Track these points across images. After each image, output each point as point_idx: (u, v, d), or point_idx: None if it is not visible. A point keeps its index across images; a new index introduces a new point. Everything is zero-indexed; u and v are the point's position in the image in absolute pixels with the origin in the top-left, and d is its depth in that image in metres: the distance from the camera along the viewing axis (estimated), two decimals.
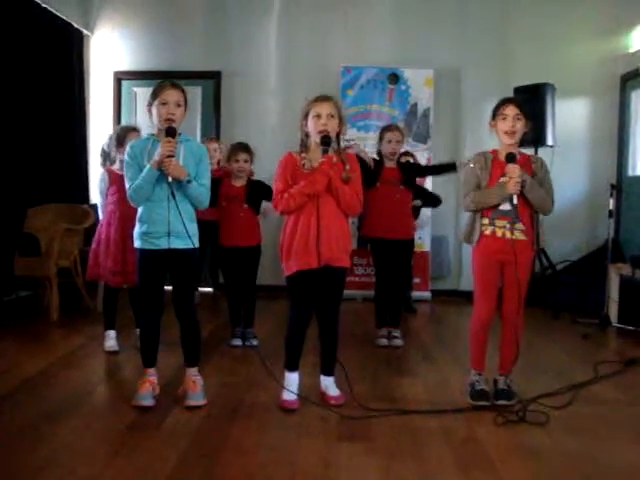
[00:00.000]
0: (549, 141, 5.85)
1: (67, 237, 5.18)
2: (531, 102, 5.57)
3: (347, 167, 3.14)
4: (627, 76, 6.26)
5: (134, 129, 4.18)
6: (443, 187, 6.15)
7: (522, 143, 3.32)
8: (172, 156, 2.95)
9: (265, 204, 4.28)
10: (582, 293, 5.69)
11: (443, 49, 6.52)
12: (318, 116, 3.08)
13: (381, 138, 4.50)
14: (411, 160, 5.19)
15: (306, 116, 3.14)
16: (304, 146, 3.20)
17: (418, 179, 5.06)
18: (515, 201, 3.09)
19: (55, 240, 5.05)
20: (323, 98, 3.13)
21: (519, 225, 3.18)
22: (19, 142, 5.36)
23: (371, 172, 4.36)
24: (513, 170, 3.09)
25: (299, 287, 3.16)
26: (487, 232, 3.22)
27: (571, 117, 6.38)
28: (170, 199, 3.01)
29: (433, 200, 5.32)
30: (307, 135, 3.17)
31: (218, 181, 4.31)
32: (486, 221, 3.23)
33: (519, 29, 6.46)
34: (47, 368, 3.75)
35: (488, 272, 3.24)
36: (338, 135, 3.19)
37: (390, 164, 4.48)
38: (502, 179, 3.14)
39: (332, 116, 3.10)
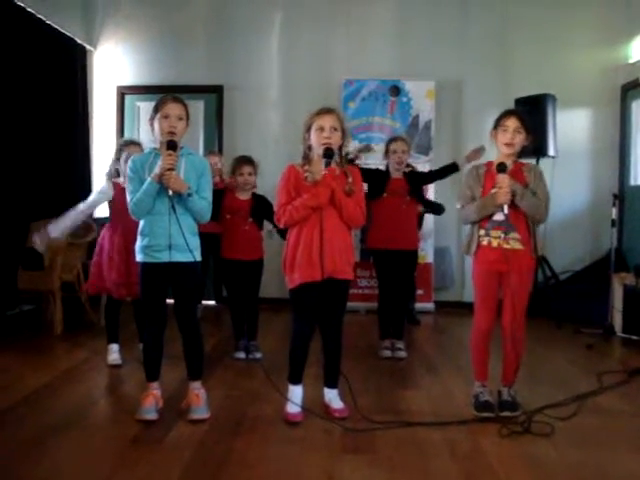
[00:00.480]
0: (550, 152, 5.86)
1: (70, 251, 5.19)
2: (532, 113, 5.57)
3: (349, 179, 3.15)
4: (628, 86, 6.27)
5: (133, 143, 4.19)
6: (446, 197, 6.16)
7: (521, 154, 3.32)
8: (173, 169, 2.96)
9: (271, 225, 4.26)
10: (585, 303, 5.68)
11: (444, 61, 6.55)
12: (321, 129, 3.10)
13: (387, 150, 4.54)
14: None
15: (309, 129, 3.16)
16: (307, 159, 3.20)
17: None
18: (506, 211, 3.10)
19: (58, 254, 5.06)
20: (326, 111, 3.14)
21: (514, 234, 3.18)
22: (23, 156, 5.38)
23: (378, 182, 4.39)
24: (503, 180, 3.10)
25: (302, 300, 3.16)
26: (484, 243, 3.23)
27: (572, 127, 6.39)
28: (171, 212, 3.02)
29: (436, 207, 5.30)
30: (310, 148, 3.19)
31: (221, 193, 4.32)
32: (482, 232, 3.24)
33: (519, 41, 6.49)
34: (50, 382, 3.75)
35: (487, 283, 3.25)
36: (341, 148, 3.20)
37: (397, 175, 4.50)
38: (493, 190, 3.15)
39: (335, 129, 3.11)
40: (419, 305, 6.06)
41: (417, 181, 4.63)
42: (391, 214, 4.41)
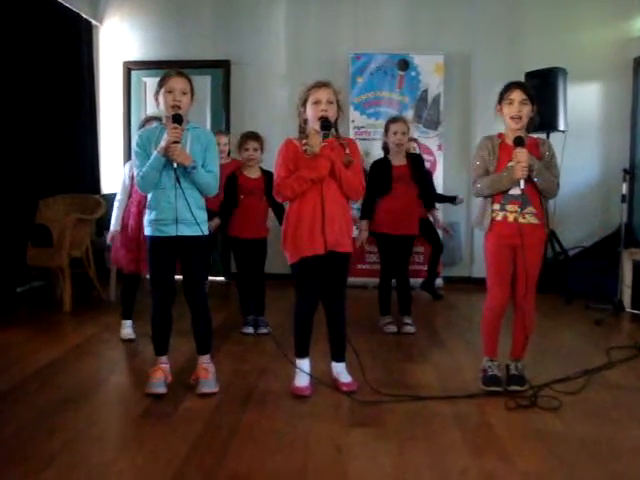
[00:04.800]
0: (561, 126, 5.79)
1: (79, 227, 5.20)
2: (542, 87, 5.53)
3: (347, 151, 3.13)
4: None
5: (154, 118, 4.13)
6: (454, 172, 6.14)
7: (531, 127, 3.28)
8: (178, 142, 2.96)
9: None
10: (595, 279, 5.65)
11: (453, 35, 6.47)
12: (318, 102, 3.09)
13: (387, 130, 4.47)
14: (415, 145, 5.17)
15: (304, 102, 3.14)
16: (303, 132, 3.19)
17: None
18: (523, 185, 3.06)
19: (67, 230, 5.07)
20: (322, 84, 3.13)
21: (530, 209, 3.16)
22: (30, 134, 5.37)
23: (384, 177, 4.38)
24: (521, 154, 3.06)
25: (305, 273, 3.16)
26: (498, 218, 3.19)
27: (583, 101, 6.31)
28: (177, 186, 3.02)
29: (450, 200, 5.35)
30: (305, 121, 3.18)
31: (234, 178, 4.33)
32: (497, 207, 3.20)
33: (530, 13, 6.39)
34: (60, 357, 3.79)
35: (501, 258, 3.21)
36: (336, 121, 3.18)
37: (398, 162, 4.45)
38: (510, 164, 3.11)
39: (331, 102, 3.10)
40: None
41: (420, 169, 4.59)
42: (396, 201, 4.38)
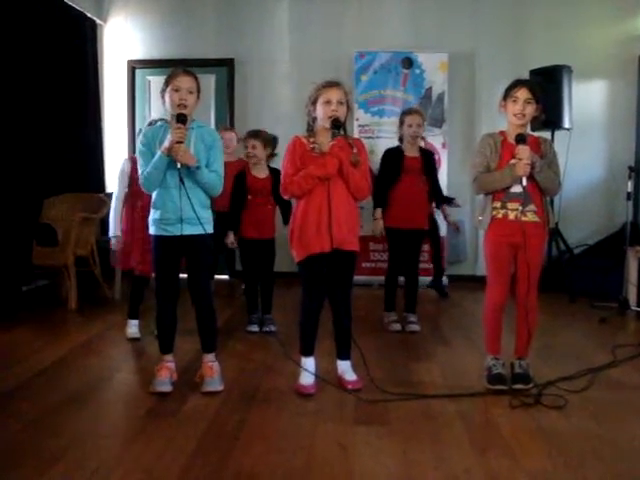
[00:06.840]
0: (566, 124, 5.78)
1: (84, 226, 5.22)
2: (547, 85, 5.52)
3: (355, 151, 3.14)
4: None
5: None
6: (458, 170, 6.13)
7: (536, 125, 3.28)
8: (182, 142, 2.96)
9: None
10: (600, 277, 5.63)
11: (457, 33, 6.46)
12: (328, 102, 3.09)
13: (401, 122, 4.47)
14: (422, 144, 5.16)
15: (314, 101, 3.15)
16: (311, 131, 3.20)
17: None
18: (524, 183, 3.06)
19: (72, 229, 5.08)
20: (333, 84, 3.13)
21: (531, 206, 3.16)
22: (34, 133, 5.38)
23: (394, 164, 4.39)
24: (523, 151, 3.06)
25: (312, 271, 3.16)
26: (499, 216, 3.19)
27: (588, 99, 6.29)
28: (181, 186, 3.02)
29: (448, 200, 5.35)
30: (314, 120, 3.18)
31: (242, 179, 4.33)
32: (498, 204, 3.20)
33: (534, 11, 6.37)
34: (66, 356, 3.80)
35: (500, 255, 3.22)
36: (344, 121, 3.18)
37: (411, 153, 4.45)
38: (512, 161, 3.11)
39: (341, 102, 3.10)
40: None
41: (430, 164, 4.58)
42: (406, 193, 4.38)
